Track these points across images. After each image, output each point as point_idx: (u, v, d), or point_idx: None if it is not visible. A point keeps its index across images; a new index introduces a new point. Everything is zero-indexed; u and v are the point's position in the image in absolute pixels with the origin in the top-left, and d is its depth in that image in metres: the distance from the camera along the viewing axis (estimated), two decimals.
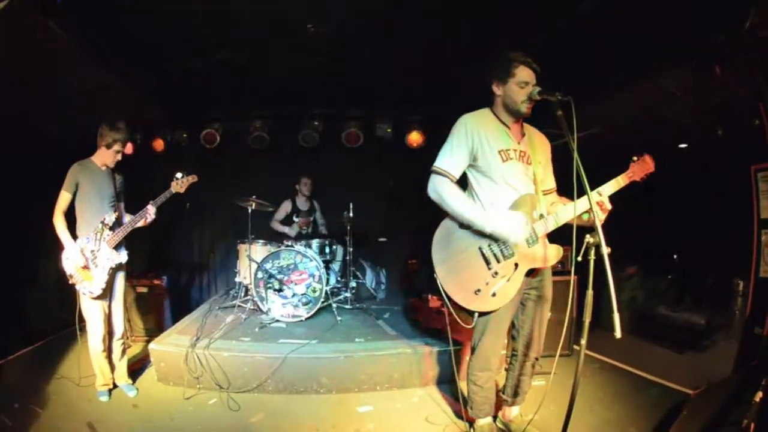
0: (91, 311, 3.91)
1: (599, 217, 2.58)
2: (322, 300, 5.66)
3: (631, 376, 4.31)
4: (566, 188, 2.72)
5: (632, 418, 3.44)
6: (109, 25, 4.10)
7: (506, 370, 3.45)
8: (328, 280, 6.09)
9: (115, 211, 4.00)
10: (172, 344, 4.52)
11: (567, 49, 4.01)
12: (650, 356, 4.85)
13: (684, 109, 4.61)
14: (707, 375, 3.65)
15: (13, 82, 4.35)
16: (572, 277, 2.73)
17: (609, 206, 2.80)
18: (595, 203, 2.57)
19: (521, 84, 2.81)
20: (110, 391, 4.10)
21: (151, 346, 4.47)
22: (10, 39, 3.57)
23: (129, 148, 6.35)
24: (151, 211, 4.00)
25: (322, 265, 5.92)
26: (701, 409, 3.00)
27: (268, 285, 5.65)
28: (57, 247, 3.86)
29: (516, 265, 2.85)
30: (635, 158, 2.86)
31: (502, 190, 2.89)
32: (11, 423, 3.46)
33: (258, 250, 6.03)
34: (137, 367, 4.74)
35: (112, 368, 4.15)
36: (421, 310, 6.04)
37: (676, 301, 5.81)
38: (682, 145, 5.31)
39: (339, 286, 6.78)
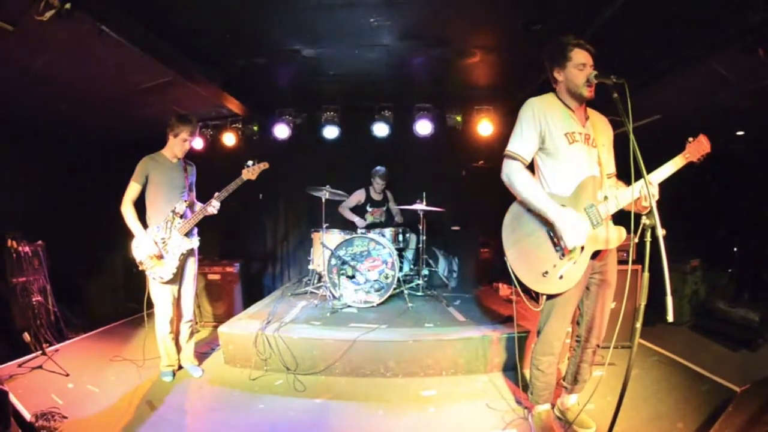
0: (160, 294, 4.04)
1: (653, 199, 2.58)
2: (394, 286, 5.63)
3: (688, 371, 4.23)
4: (623, 172, 2.83)
5: (683, 412, 3.43)
6: (174, 25, 4.18)
7: (568, 359, 3.45)
8: (401, 267, 6.05)
9: (186, 201, 4.12)
10: (242, 327, 4.62)
11: (617, 35, 3.93)
12: (707, 352, 4.82)
13: (739, 94, 4.43)
14: (758, 373, 3.77)
15: (76, 84, 4.57)
16: (630, 264, 2.88)
17: (656, 195, 2.77)
18: (650, 185, 2.57)
19: (579, 66, 2.84)
20: (174, 372, 4.23)
21: (221, 329, 4.57)
22: (65, 43, 3.67)
23: (200, 144, 6.54)
24: (214, 204, 4.05)
25: (395, 252, 5.85)
26: (745, 405, 3.10)
27: (341, 271, 5.66)
28: (124, 239, 4.00)
29: (582, 247, 2.85)
30: (691, 139, 2.85)
31: (567, 172, 2.91)
32: (62, 402, 3.60)
33: (332, 237, 6.05)
34: (204, 351, 4.87)
35: (179, 350, 4.29)
36: (492, 298, 6.15)
37: (734, 296, 5.59)
38: (740, 133, 5.25)
39: (411, 273, 6.73)
